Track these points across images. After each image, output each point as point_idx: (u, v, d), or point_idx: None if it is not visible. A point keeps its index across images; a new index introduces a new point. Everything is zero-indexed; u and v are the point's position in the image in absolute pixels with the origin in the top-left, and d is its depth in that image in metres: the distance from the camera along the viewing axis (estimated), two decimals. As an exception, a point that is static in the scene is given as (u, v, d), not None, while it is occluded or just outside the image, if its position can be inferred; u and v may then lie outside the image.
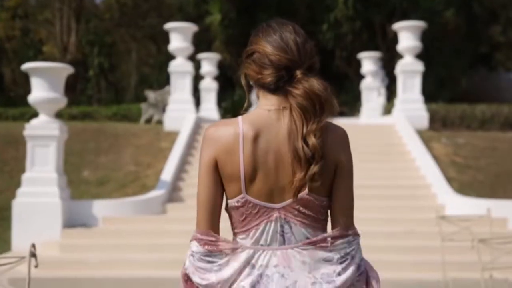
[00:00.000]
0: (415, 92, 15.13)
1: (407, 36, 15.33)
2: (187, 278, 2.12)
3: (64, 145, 14.06)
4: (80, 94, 28.03)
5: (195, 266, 2.07)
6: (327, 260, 2.06)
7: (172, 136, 14.31)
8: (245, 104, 2.17)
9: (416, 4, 23.36)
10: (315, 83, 2.01)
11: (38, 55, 28.16)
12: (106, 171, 12.97)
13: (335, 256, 2.06)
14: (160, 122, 16.59)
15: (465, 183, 11.85)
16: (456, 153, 13.15)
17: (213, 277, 2.06)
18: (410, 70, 15.18)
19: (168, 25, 15.92)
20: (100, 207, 10.44)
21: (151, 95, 17.29)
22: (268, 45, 2.07)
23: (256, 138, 2.03)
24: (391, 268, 8.65)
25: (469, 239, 6.40)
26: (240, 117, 2.09)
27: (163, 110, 16.41)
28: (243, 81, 2.16)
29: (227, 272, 2.06)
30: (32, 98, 10.27)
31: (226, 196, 2.10)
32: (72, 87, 28.74)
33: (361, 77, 21.12)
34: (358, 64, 21.89)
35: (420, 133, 14.05)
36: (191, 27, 15.88)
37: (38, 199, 10.03)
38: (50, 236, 9.86)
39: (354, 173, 2.13)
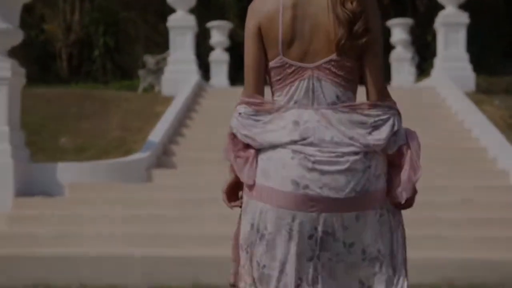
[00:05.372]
0: (459, 48, 12.66)
1: (450, -18, 12.94)
2: (233, 136, 2.23)
3: (40, 109, 11.98)
4: (85, 76, 26.13)
5: (242, 124, 2.21)
6: (362, 123, 2.16)
7: (171, 101, 12.06)
8: None
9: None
10: None
11: (40, 35, 26.33)
12: (87, 138, 10.74)
13: (369, 120, 2.16)
14: (160, 92, 14.33)
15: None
16: (513, 117, 10.76)
17: (257, 131, 2.19)
18: (453, 23, 12.73)
19: (166, -30, 13.67)
20: (67, 172, 8.17)
21: (150, 60, 15.01)
22: None
23: (294, 6, 2.17)
24: (449, 245, 6.49)
25: None
26: None
27: (164, 77, 14.12)
28: None
29: (270, 127, 2.18)
30: (-22, 30, 8.04)
31: (267, 59, 2.22)
32: (76, 69, 26.82)
33: (388, 50, 18.88)
34: (385, 39, 19.65)
35: (467, 95, 11.65)
36: (192, -27, 13.58)
37: (-16, 158, 7.79)
38: (-2, 206, 7.66)
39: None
